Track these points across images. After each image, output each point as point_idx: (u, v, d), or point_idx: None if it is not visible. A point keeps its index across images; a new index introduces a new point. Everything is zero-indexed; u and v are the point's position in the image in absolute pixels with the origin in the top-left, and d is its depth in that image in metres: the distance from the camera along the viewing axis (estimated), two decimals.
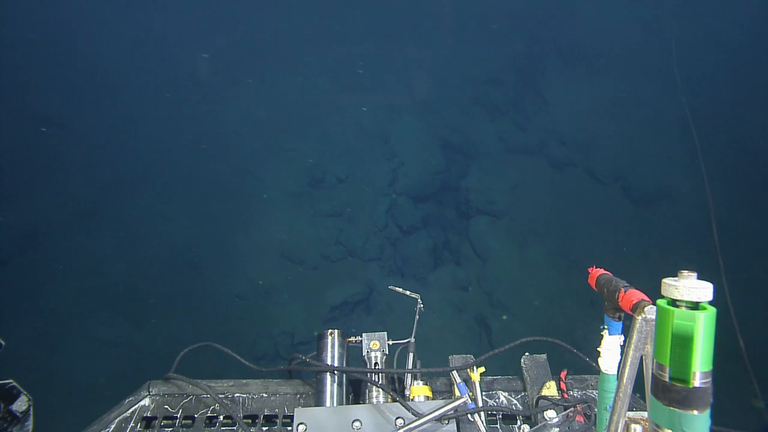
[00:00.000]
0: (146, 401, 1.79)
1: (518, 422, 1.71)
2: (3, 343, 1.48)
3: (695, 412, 0.79)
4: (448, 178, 8.05)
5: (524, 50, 10.11)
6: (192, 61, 10.90)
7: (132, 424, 1.71)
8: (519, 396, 1.80)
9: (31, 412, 1.54)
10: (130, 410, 1.76)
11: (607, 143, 8.03)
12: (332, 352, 1.83)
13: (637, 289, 1.04)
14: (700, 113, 7.83)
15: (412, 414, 1.59)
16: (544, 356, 1.87)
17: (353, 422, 1.60)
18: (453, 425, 1.60)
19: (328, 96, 9.53)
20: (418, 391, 1.73)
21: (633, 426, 1.02)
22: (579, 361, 1.79)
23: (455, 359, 1.84)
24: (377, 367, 1.80)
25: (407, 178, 7.94)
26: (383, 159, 8.26)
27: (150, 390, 1.83)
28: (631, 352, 0.95)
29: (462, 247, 7.21)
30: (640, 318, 0.94)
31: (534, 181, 7.79)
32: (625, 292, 1.04)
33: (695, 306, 0.79)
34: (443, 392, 1.82)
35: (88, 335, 6.55)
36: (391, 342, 1.88)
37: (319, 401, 1.73)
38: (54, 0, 11.98)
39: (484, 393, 1.79)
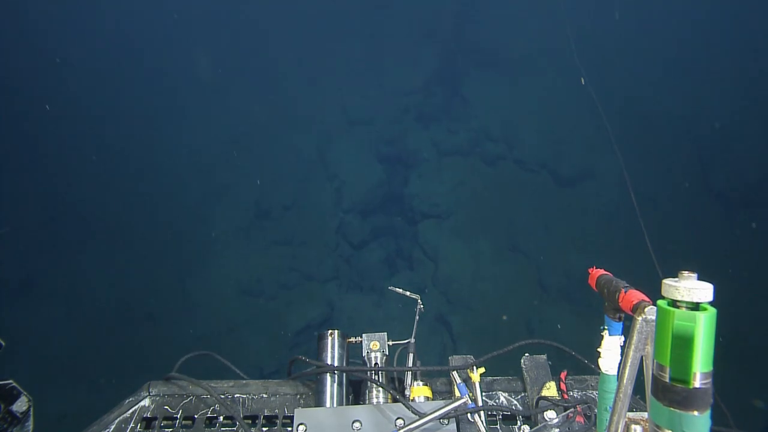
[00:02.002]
0: (146, 401, 1.78)
1: (518, 423, 1.70)
2: (3, 343, 1.47)
3: (695, 413, 0.79)
4: (390, 189, 8.34)
5: (445, 60, 10.67)
6: (129, 112, 10.71)
7: (132, 424, 1.70)
8: (519, 396, 1.79)
9: (32, 413, 1.51)
10: (130, 411, 1.74)
11: (530, 135, 8.60)
12: (332, 352, 1.82)
13: (633, 287, 1.06)
14: (606, 97, 8.57)
15: (413, 414, 1.59)
16: (544, 357, 1.86)
17: (353, 423, 1.59)
18: (453, 425, 1.60)
19: (262, 127, 9.66)
20: (418, 391, 1.72)
21: (633, 427, 1.02)
22: (579, 361, 1.83)
23: (455, 359, 1.83)
24: (377, 368, 1.79)
25: (351, 195, 8.17)
26: (325, 180, 8.46)
27: (150, 390, 1.82)
28: (631, 353, 0.94)
29: (413, 252, 7.48)
30: (640, 319, 0.94)
31: (471, 179, 8.22)
32: (625, 292, 1.04)
33: (695, 307, 0.79)
34: (443, 393, 1.81)
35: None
36: (391, 342, 1.87)
37: (319, 402, 1.73)
38: None
39: (484, 393, 1.78)
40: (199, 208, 8.44)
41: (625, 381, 0.96)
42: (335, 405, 1.72)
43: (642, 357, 0.95)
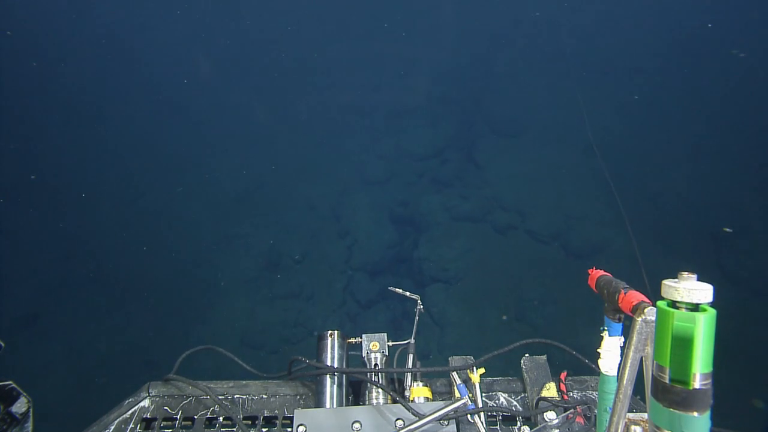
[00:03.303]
0: (146, 402, 1.79)
1: (518, 423, 1.70)
2: (3, 344, 1.47)
3: (695, 414, 0.79)
4: (401, 251, 8.40)
5: (461, 128, 11.06)
6: (146, 157, 11.19)
7: (132, 425, 1.69)
8: (519, 397, 1.78)
9: (31, 414, 1.50)
10: (130, 411, 1.75)
11: (543, 207, 8.71)
12: (332, 353, 1.82)
13: (633, 289, 1.06)
14: (617, 173, 8.74)
15: (412, 415, 1.59)
16: (544, 357, 1.86)
17: (353, 423, 1.59)
18: (453, 426, 1.59)
19: (280, 181, 9.95)
20: (418, 392, 1.72)
21: (633, 427, 1.02)
22: (579, 362, 1.83)
23: (455, 360, 1.84)
24: (377, 368, 1.78)
25: (362, 254, 8.23)
26: (337, 237, 8.57)
27: (150, 391, 1.83)
28: (631, 354, 0.94)
29: (420, 317, 7.39)
30: (640, 319, 0.94)
31: (481, 246, 8.25)
32: (625, 293, 1.04)
33: (695, 307, 0.79)
34: (443, 393, 1.81)
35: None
36: (391, 343, 1.88)
37: (318, 402, 1.73)
38: None
39: (483, 394, 1.78)
40: (210, 254, 8.56)
41: (624, 382, 0.96)
42: (335, 406, 1.71)
43: (642, 358, 0.95)
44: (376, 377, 1.78)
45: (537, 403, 1.72)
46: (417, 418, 1.56)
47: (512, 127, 10.77)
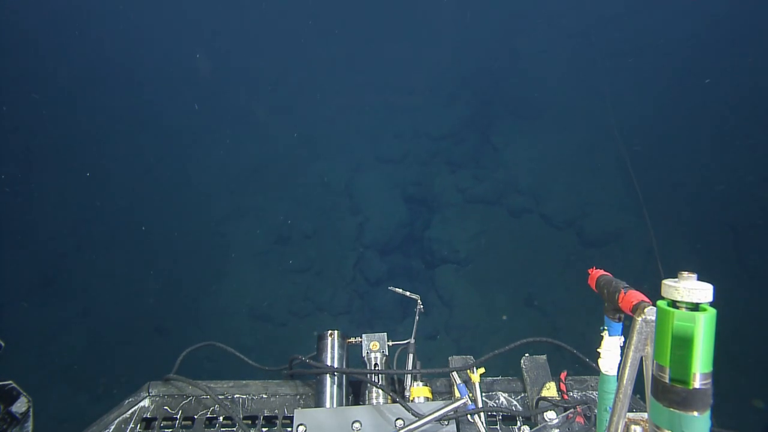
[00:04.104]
0: (146, 402, 1.79)
1: (518, 423, 1.70)
2: (3, 344, 1.47)
3: (695, 414, 0.79)
4: (412, 230, 8.34)
5: (479, 109, 10.85)
6: (162, 126, 11.21)
7: (132, 425, 1.70)
8: (519, 397, 1.78)
9: (31, 414, 1.51)
10: (130, 411, 1.75)
11: (559, 191, 8.54)
12: (332, 353, 1.82)
13: (633, 288, 1.06)
14: (638, 158, 8.51)
15: (412, 415, 1.58)
16: (544, 357, 1.86)
17: (353, 423, 1.59)
18: (453, 426, 1.59)
19: (293, 154, 9.90)
20: (418, 392, 1.72)
21: (633, 427, 1.02)
22: (579, 361, 1.82)
23: (455, 360, 1.84)
24: (377, 368, 1.79)
25: (373, 232, 8.19)
26: (349, 214, 8.53)
27: (150, 391, 1.82)
28: (631, 353, 0.94)
29: (429, 296, 7.38)
30: (640, 319, 0.94)
31: (494, 229, 8.16)
32: (625, 293, 1.04)
33: (695, 307, 0.79)
34: (443, 393, 1.80)
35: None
36: (391, 343, 1.87)
37: (318, 402, 1.73)
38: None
39: (484, 394, 1.77)
40: (222, 226, 8.60)
41: (624, 381, 0.96)
42: (335, 405, 1.71)
43: (642, 357, 0.95)
44: (376, 377, 1.77)
45: (537, 403, 1.72)
46: (417, 418, 1.56)
47: (531, 109, 10.53)
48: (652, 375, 0.84)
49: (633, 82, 10.40)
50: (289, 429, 1.67)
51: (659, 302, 0.83)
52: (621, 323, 1.14)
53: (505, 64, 11.94)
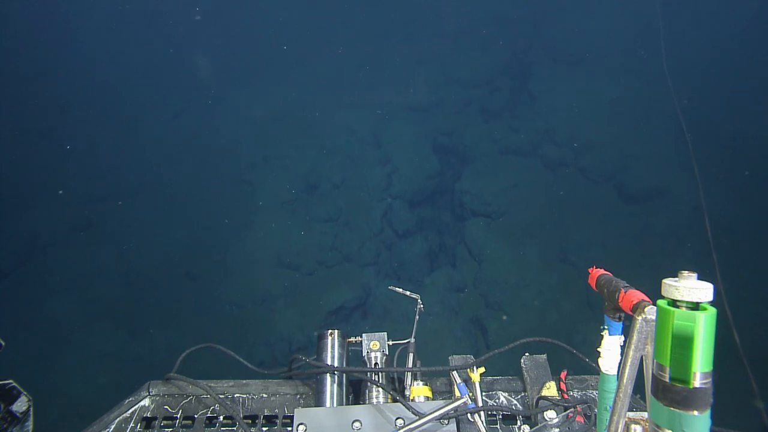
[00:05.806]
0: (146, 401, 1.79)
1: (518, 422, 1.71)
2: (3, 343, 1.48)
3: (695, 413, 0.79)
4: (442, 182, 8.08)
5: (516, 54, 10.20)
6: (188, 73, 11.03)
7: (132, 424, 1.71)
8: (519, 396, 1.80)
9: (31, 413, 1.53)
10: (130, 410, 1.76)
11: (599, 143, 8.07)
12: (332, 352, 1.83)
13: (634, 288, 1.05)
14: (692, 112, 7.89)
15: (413, 414, 1.60)
16: (544, 357, 1.87)
17: (353, 422, 1.60)
18: (453, 425, 1.60)
19: (322, 103, 9.60)
20: (418, 391, 1.73)
21: (633, 426, 1.02)
22: (579, 361, 1.81)
23: (455, 359, 1.85)
24: (377, 368, 1.80)
25: (402, 183, 7.98)
26: (378, 164, 8.30)
27: (150, 390, 1.83)
28: (631, 353, 0.95)
29: (457, 250, 7.22)
30: (640, 318, 0.94)
31: (528, 182, 7.82)
32: (625, 292, 1.04)
33: (695, 306, 0.79)
34: (443, 392, 1.82)
35: (86, 346, 6.55)
36: (391, 342, 1.88)
37: (319, 401, 1.74)
38: (47, 20, 12.13)
39: (484, 393, 1.79)
40: (249, 174, 8.52)
41: (625, 381, 0.96)
42: (335, 405, 1.73)
43: (642, 357, 0.95)
44: (376, 376, 1.78)
45: (537, 402, 1.73)
46: (417, 417, 1.57)
47: (572, 54, 9.84)
48: (653, 374, 0.84)
49: (692, 25, 9.49)
50: (290, 428, 1.68)
51: (659, 301, 0.83)
52: (621, 323, 1.15)
53: (545, 4, 11.08)
